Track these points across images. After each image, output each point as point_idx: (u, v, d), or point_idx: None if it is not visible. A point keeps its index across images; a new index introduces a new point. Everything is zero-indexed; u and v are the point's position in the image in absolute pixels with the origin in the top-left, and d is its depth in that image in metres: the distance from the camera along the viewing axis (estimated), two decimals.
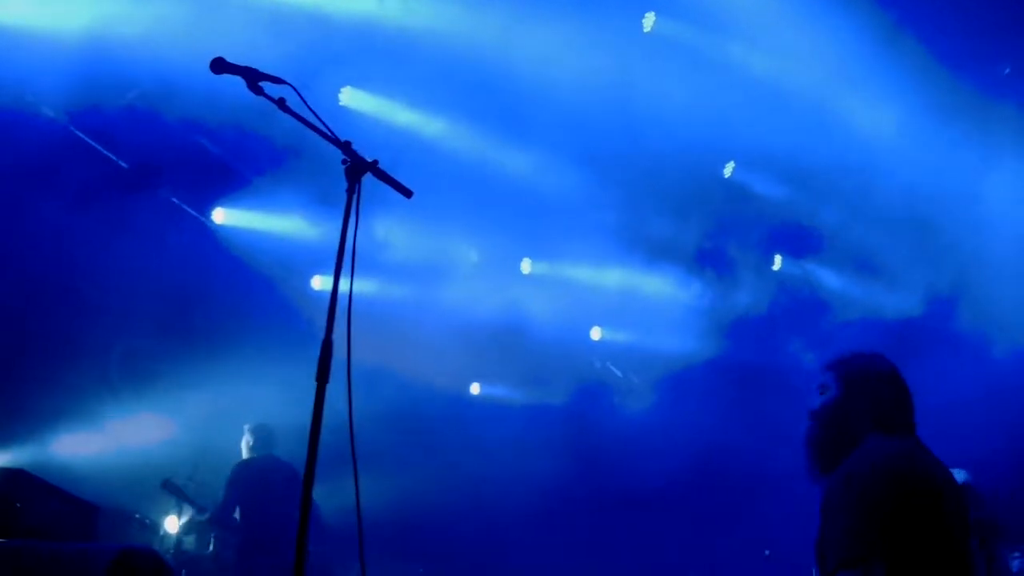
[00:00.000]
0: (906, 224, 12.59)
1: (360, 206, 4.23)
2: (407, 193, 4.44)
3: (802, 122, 11.59)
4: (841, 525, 3.91)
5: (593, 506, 14.54)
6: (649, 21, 11.25)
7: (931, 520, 3.88)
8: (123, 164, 11.33)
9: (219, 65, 4.36)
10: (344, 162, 4.26)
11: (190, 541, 11.35)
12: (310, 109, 4.25)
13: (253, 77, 4.34)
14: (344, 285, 4.18)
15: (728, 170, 13.00)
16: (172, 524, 11.03)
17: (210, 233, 12.15)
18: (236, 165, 11.86)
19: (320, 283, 12.99)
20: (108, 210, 10.96)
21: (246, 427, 11.12)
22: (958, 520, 4.00)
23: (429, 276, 12.77)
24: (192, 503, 10.95)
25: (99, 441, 11.47)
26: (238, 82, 4.36)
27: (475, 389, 14.67)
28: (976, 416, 11.71)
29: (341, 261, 4.21)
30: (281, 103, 4.28)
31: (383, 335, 11.11)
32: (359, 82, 11.21)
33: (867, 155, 12.00)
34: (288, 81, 4.31)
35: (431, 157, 11.34)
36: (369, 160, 4.30)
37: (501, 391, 14.59)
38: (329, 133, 4.28)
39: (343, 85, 11.15)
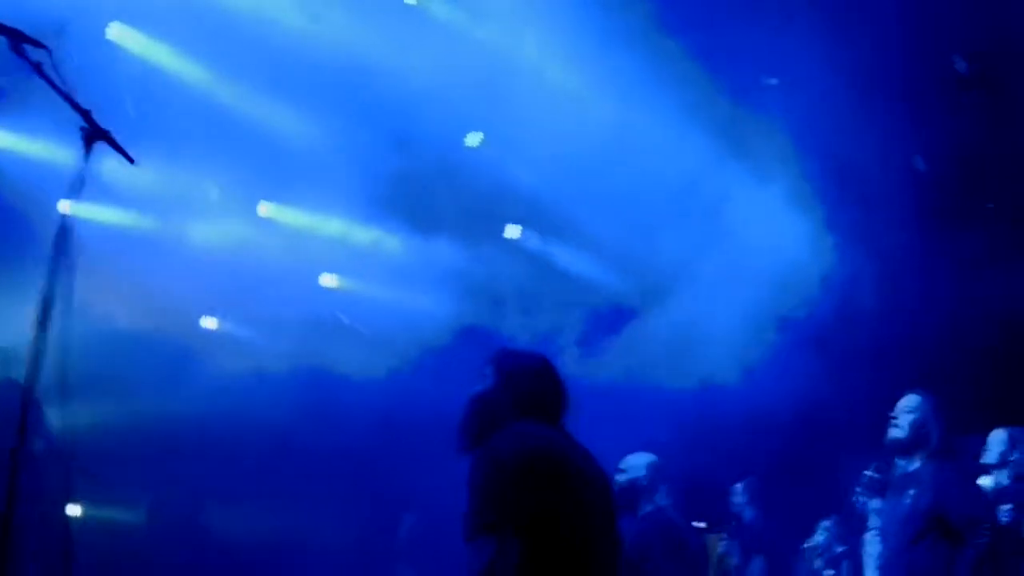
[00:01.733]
0: (637, 219, 13.27)
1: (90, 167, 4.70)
2: (131, 160, 4.89)
3: (552, 106, 12.21)
4: (475, 497, 4.55)
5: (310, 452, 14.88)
6: None
7: (553, 492, 4.58)
8: None
9: None
10: (82, 129, 4.71)
11: None
12: (61, 78, 4.61)
13: (17, 38, 4.60)
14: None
15: (474, 140, 13.52)
16: None
17: None
18: None
19: (67, 207, 12.93)
20: None
21: None
22: (585, 495, 4.75)
23: (169, 210, 13.02)
24: None
25: None
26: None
27: (210, 323, 14.85)
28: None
29: (66, 216, 4.70)
30: (38, 67, 4.58)
31: (118, 264, 11.36)
32: (126, 17, 11.45)
33: (608, 144, 12.52)
34: (47, 46, 4.61)
35: (185, 99, 11.75)
36: (104, 129, 4.72)
37: (233, 328, 14.86)
38: (74, 101, 4.66)
39: (111, 20, 11.37)
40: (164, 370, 13.41)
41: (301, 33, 11.28)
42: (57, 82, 4.62)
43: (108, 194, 12.02)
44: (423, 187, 13.51)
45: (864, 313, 13.38)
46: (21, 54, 4.64)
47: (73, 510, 11.68)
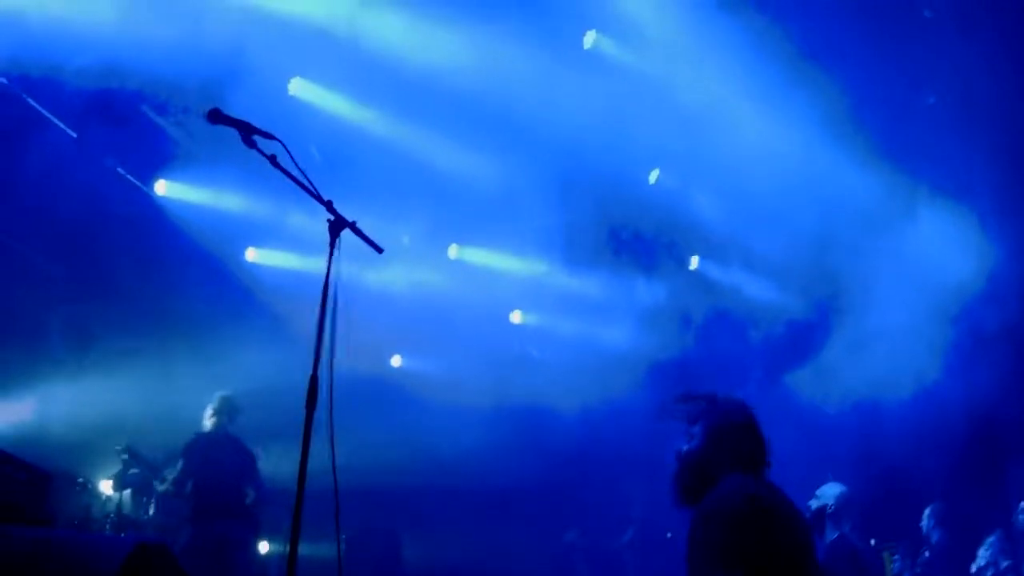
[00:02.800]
0: (805, 242, 13.23)
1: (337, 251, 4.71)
2: (379, 250, 4.90)
3: (728, 143, 12.29)
4: (710, 550, 4.61)
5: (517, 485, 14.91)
6: (590, 39, 11.92)
7: (780, 537, 4.65)
8: (72, 133, 11.54)
9: (215, 116, 4.65)
10: (328, 220, 4.72)
11: (128, 504, 11.45)
12: (297, 167, 4.60)
13: (248, 131, 4.62)
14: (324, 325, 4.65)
15: (653, 177, 13.60)
16: (108, 487, 11.21)
17: (152, 203, 12.37)
18: (179, 137, 12.08)
19: (254, 255, 13.38)
20: (53, 177, 11.06)
21: (217, 395, 11.18)
22: (799, 540, 4.77)
23: (363, 257, 13.09)
24: (155, 470, 11.05)
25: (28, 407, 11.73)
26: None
27: (396, 362, 15.16)
28: None
29: (325, 301, 4.68)
30: (272, 159, 4.59)
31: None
32: (308, 74, 11.65)
33: (778, 177, 12.48)
34: (279, 138, 4.62)
35: (370, 148, 11.86)
36: (350, 220, 4.75)
37: (429, 366, 15.04)
38: (314, 191, 4.66)
39: (292, 76, 11.57)
40: (365, 410, 13.51)
41: (480, 80, 11.32)
42: (295, 173, 4.62)
43: (302, 244, 12.30)
44: (605, 223, 13.66)
45: None
46: (253, 146, 4.64)
47: (270, 547, 12.01)
